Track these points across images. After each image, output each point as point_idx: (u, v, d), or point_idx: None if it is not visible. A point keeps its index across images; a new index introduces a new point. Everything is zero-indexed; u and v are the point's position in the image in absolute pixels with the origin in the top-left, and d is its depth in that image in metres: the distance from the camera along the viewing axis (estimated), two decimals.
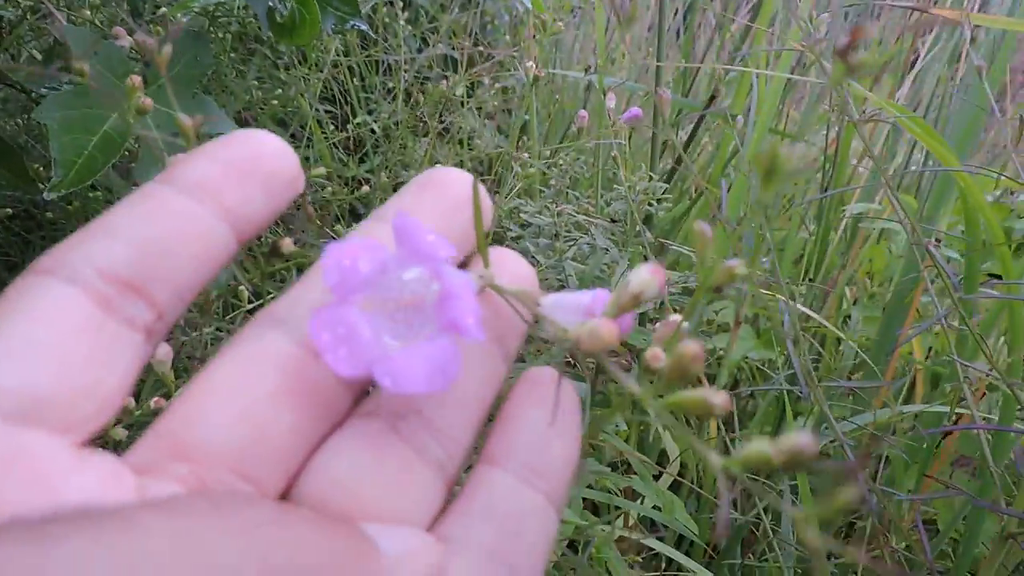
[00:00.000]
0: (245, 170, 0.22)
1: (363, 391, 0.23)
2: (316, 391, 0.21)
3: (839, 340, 0.97)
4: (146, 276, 0.20)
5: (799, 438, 0.17)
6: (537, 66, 0.51)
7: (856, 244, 0.96)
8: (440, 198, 0.24)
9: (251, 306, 0.46)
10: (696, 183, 0.96)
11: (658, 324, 0.62)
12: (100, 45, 0.45)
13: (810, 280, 0.94)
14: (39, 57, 0.59)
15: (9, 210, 0.55)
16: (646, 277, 0.22)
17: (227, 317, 0.49)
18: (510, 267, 0.25)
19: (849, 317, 1.07)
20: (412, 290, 0.23)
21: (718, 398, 0.19)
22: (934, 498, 0.59)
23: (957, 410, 0.69)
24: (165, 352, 0.37)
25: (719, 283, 0.24)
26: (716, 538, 0.58)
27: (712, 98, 0.76)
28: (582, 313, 0.23)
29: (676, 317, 0.20)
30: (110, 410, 0.19)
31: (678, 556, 0.59)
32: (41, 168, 0.52)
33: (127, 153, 0.47)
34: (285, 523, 0.16)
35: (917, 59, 1.20)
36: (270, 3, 0.42)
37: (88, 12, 0.54)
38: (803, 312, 0.84)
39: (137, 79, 0.32)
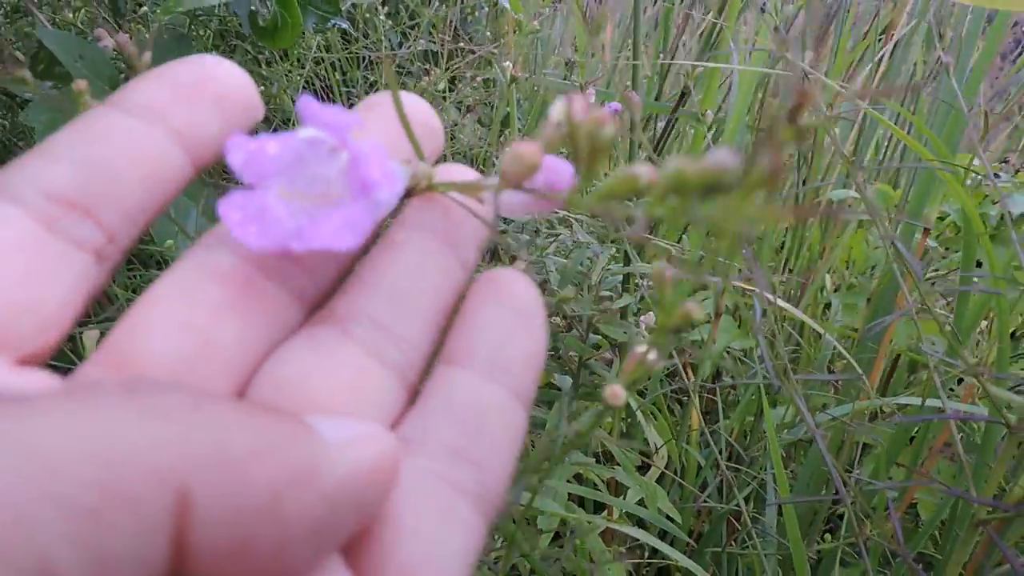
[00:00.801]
0: (195, 92, 0.21)
1: (314, 305, 0.22)
2: (262, 301, 0.21)
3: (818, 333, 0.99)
4: (93, 196, 0.20)
5: (719, 155, 0.17)
6: (515, 66, 0.52)
7: (833, 233, 0.98)
8: (390, 118, 0.23)
9: None
10: None
11: (642, 319, 0.64)
12: (85, 49, 0.46)
13: (789, 270, 0.95)
14: (22, 58, 0.59)
15: None
16: (563, 106, 0.21)
17: None
18: (459, 176, 0.24)
19: (828, 306, 1.09)
20: (324, 168, 0.22)
21: (643, 169, 0.19)
22: (907, 486, 0.61)
23: (932, 401, 0.71)
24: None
25: (678, 326, 0.24)
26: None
27: (683, 95, 0.77)
28: (527, 203, 0.23)
29: (641, 349, 0.20)
30: (54, 328, 0.19)
31: (661, 545, 0.60)
32: None
33: None
34: (207, 409, 0.15)
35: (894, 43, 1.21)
36: (252, 7, 0.42)
37: (71, 14, 0.54)
38: (780, 304, 0.86)
39: (84, 83, 0.33)
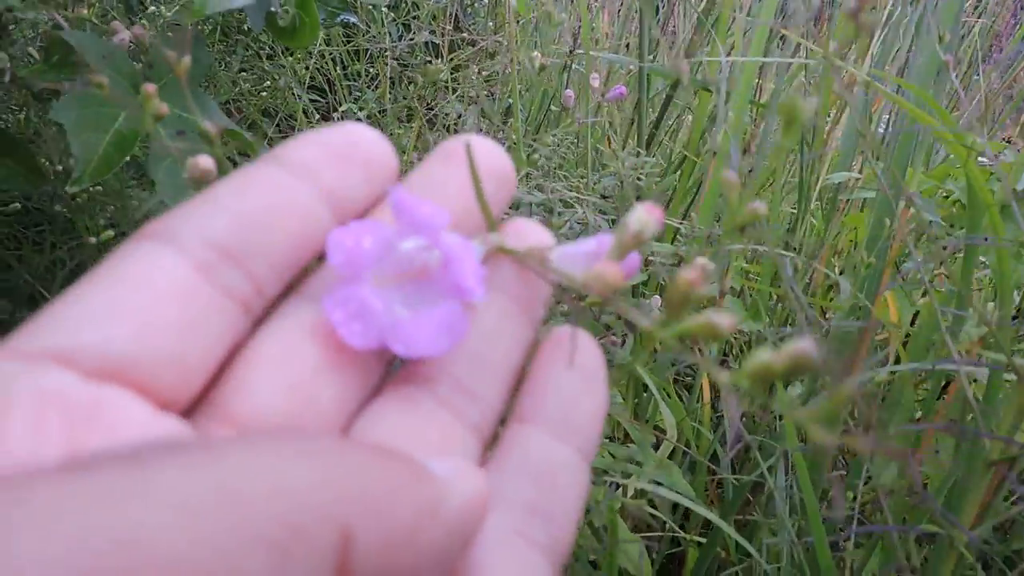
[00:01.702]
0: (344, 154, 0.23)
1: (394, 361, 0.23)
2: (354, 362, 0.22)
3: (823, 310, 1.00)
4: (245, 246, 0.20)
5: (801, 343, 0.18)
6: (541, 56, 0.53)
7: (837, 214, 0.99)
8: (464, 168, 0.24)
9: None
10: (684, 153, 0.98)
11: (653, 300, 0.65)
12: (107, 48, 0.47)
13: (795, 250, 0.96)
14: (36, 55, 0.60)
15: (17, 204, 0.56)
16: (643, 216, 0.22)
17: None
18: (528, 233, 0.25)
19: (833, 287, 1.09)
20: (416, 260, 0.23)
21: (723, 319, 0.20)
22: (924, 428, 0.61)
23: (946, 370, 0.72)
24: None
25: (744, 223, 0.25)
26: (728, 450, 0.61)
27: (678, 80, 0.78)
28: (589, 260, 0.24)
29: (702, 260, 0.21)
30: (198, 378, 0.19)
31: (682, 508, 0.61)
32: (47, 163, 0.54)
33: (139, 147, 0.48)
34: (354, 454, 0.17)
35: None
36: (272, 8, 0.43)
37: (85, 11, 0.55)
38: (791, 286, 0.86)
39: (152, 87, 0.34)
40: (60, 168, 0.55)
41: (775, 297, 0.98)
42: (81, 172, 0.42)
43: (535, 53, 0.53)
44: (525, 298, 0.25)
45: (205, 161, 0.35)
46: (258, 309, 0.21)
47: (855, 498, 0.58)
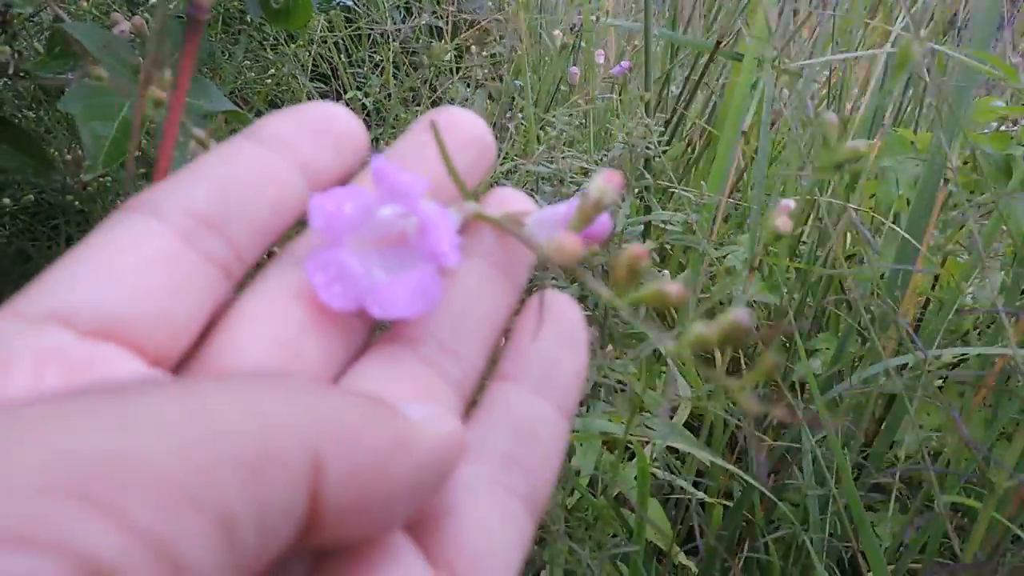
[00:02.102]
0: (317, 128, 0.24)
1: (377, 325, 0.25)
2: (338, 322, 0.23)
3: (841, 283, 0.99)
4: (225, 214, 0.22)
5: (736, 313, 0.19)
6: (564, 34, 0.53)
7: (860, 183, 0.97)
8: (445, 138, 0.25)
9: None
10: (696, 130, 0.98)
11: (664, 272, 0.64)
12: (108, 39, 0.47)
13: (819, 219, 0.95)
14: (40, 48, 0.60)
15: (31, 197, 0.57)
16: (602, 184, 0.23)
17: None
18: (511, 201, 0.26)
19: (853, 256, 1.08)
20: (394, 225, 0.24)
21: (672, 287, 0.21)
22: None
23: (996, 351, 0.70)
24: None
25: (842, 161, 0.26)
26: (758, 477, 0.61)
27: (719, 42, 0.76)
28: (562, 225, 0.24)
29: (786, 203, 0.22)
30: (181, 338, 0.21)
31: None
32: (56, 153, 0.54)
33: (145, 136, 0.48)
34: (327, 391, 0.18)
35: None
36: None
37: (85, 3, 0.55)
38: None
39: (147, 75, 0.34)
40: (69, 158, 0.55)
41: (792, 270, 0.97)
42: (93, 160, 0.42)
43: (556, 31, 0.53)
44: (507, 263, 0.26)
45: (197, 134, 0.36)
46: (238, 273, 0.22)
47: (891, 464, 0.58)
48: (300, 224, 0.24)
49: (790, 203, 0.26)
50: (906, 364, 0.70)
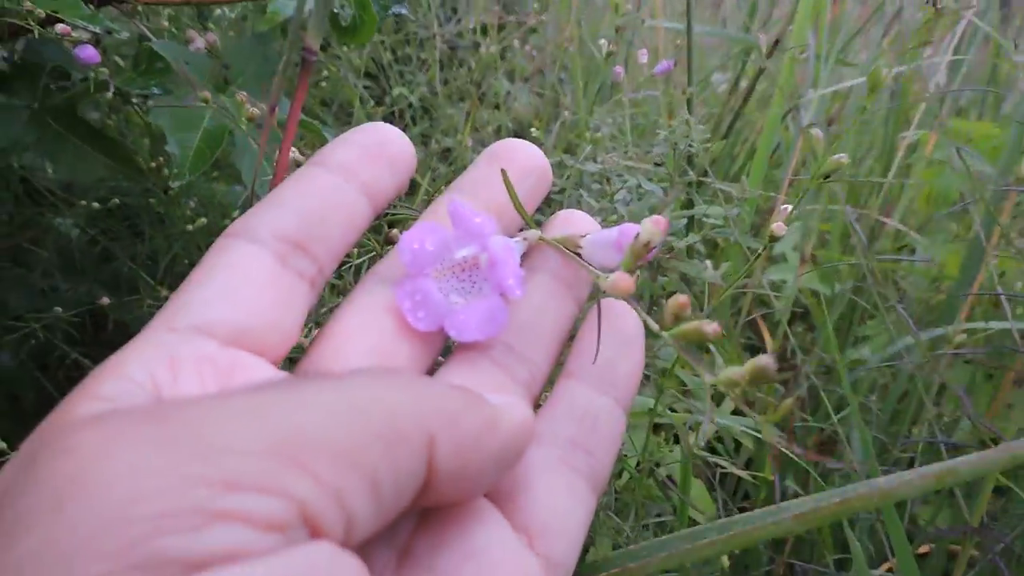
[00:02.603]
0: (375, 153, 0.28)
1: None
2: (423, 333, 0.27)
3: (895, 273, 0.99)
4: (308, 237, 0.26)
5: (761, 360, 0.21)
6: (610, 42, 0.55)
7: (914, 173, 0.97)
8: (507, 168, 0.29)
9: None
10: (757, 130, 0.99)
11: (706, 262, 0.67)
12: (188, 55, 0.51)
13: (864, 208, 0.96)
14: (121, 62, 0.65)
15: (116, 200, 0.62)
16: (650, 228, 0.26)
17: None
18: (574, 221, 0.30)
19: (903, 248, 1.08)
20: (469, 259, 0.28)
21: (709, 327, 0.24)
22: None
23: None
24: None
25: (828, 172, 0.28)
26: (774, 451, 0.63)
27: (777, 41, 0.78)
28: (614, 247, 0.28)
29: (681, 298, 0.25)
30: (289, 342, 0.25)
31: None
32: (140, 159, 0.59)
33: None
34: (432, 383, 0.22)
35: None
36: (335, 9, 0.47)
37: (166, 22, 0.60)
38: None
39: (243, 95, 0.38)
40: (154, 165, 0.60)
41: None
42: (180, 168, 0.47)
43: (602, 40, 0.55)
44: (569, 279, 0.30)
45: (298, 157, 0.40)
46: (320, 286, 0.27)
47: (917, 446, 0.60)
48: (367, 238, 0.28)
49: (786, 207, 0.29)
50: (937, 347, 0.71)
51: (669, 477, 0.55)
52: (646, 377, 0.66)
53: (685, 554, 0.26)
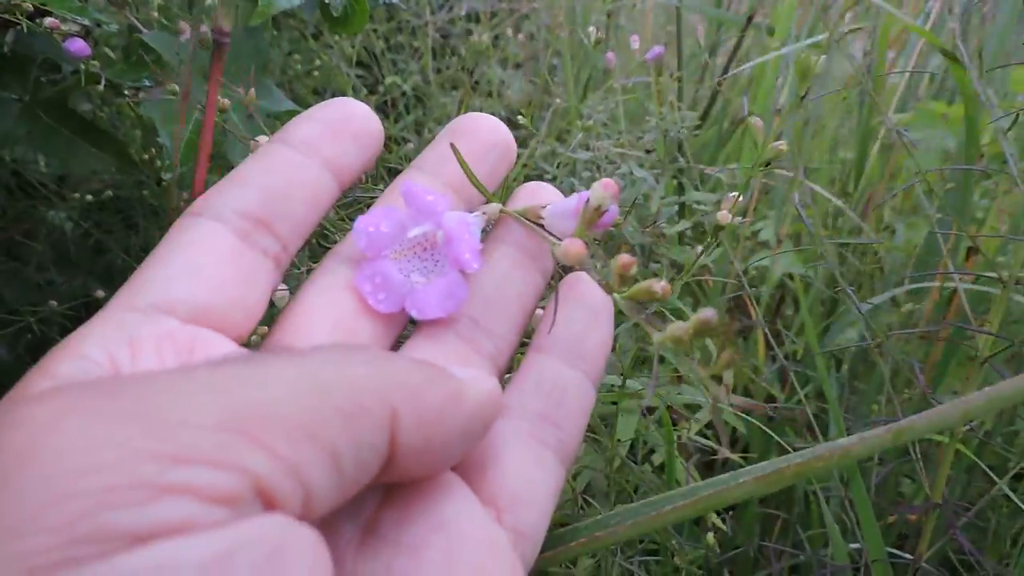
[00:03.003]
0: (339, 128, 0.27)
1: None
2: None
3: (876, 253, 1.00)
4: (272, 214, 0.26)
5: (704, 313, 0.22)
6: (598, 30, 0.55)
7: (893, 157, 0.98)
8: (470, 143, 0.29)
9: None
10: (735, 112, 0.99)
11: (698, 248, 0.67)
12: (179, 46, 0.51)
13: (847, 194, 0.96)
14: (112, 54, 0.65)
15: (110, 193, 0.62)
16: (600, 192, 0.26)
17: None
18: (539, 193, 0.30)
19: (886, 229, 1.08)
20: (425, 237, 0.28)
21: (658, 285, 0.24)
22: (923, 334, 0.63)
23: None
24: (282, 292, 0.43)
25: (769, 159, 0.28)
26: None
27: (750, 17, 0.78)
28: (573, 215, 0.28)
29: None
30: (252, 320, 0.25)
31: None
32: (133, 152, 0.59)
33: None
34: (395, 357, 0.22)
35: None
36: (326, 0, 0.47)
37: (155, 13, 0.60)
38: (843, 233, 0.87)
39: (225, 103, 0.38)
40: (146, 157, 0.60)
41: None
42: (170, 160, 0.47)
43: (591, 27, 0.55)
44: (534, 250, 0.30)
45: (264, 140, 0.40)
46: (286, 263, 0.27)
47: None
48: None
49: (734, 194, 0.29)
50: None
51: (660, 465, 0.56)
52: (641, 361, 0.66)
53: (651, 520, 0.26)
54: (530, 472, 0.26)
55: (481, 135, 0.29)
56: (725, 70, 0.82)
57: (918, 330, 0.55)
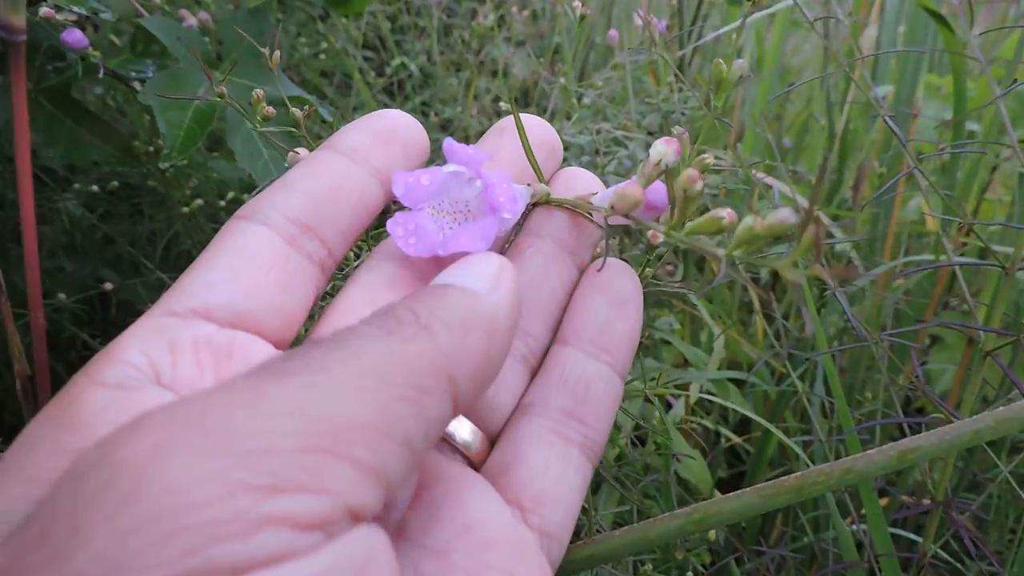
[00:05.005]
0: (387, 138, 0.28)
1: None
2: None
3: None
4: (318, 220, 0.26)
5: (781, 211, 0.20)
6: (583, 4, 0.55)
7: (873, 132, 0.96)
8: (516, 140, 0.29)
9: None
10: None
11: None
12: (180, 31, 0.51)
13: (823, 163, 0.95)
14: (117, 41, 0.65)
15: (116, 183, 0.62)
16: (661, 148, 0.25)
17: None
18: (578, 179, 0.30)
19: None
20: (465, 198, 0.28)
21: (723, 212, 0.23)
22: (926, 327, 0.63)
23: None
24: None
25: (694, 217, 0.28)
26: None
27: None
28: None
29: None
30: (294, 323, 0.25)
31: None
32: (138, 143, 0.59)
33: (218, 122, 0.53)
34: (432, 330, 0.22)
35: None
36: None
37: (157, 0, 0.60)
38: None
39: (260, 91, 0.38)
40: (152, 149, 0.60)
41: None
42: (170, 148, 0.47)
43: (576, 3, 0.55)
44: (571, 244, 0.29)
45: (304, 153, 0.40)
46: (331, 268, 0.27)
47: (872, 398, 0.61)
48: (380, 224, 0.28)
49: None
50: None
51: (658, 447, 0.56)
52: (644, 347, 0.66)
53: (654, 540, 0.26)
54: (555, 471, 0.26)
55: (531, 134, 0.29)
56: (698, 36, 0.81)
57: (920, 325, 0.54)
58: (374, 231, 0.37)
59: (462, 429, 0.27)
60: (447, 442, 0.26)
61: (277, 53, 0.36)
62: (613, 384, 0.28)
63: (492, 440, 0.28)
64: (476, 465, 0.27)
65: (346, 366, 0.19)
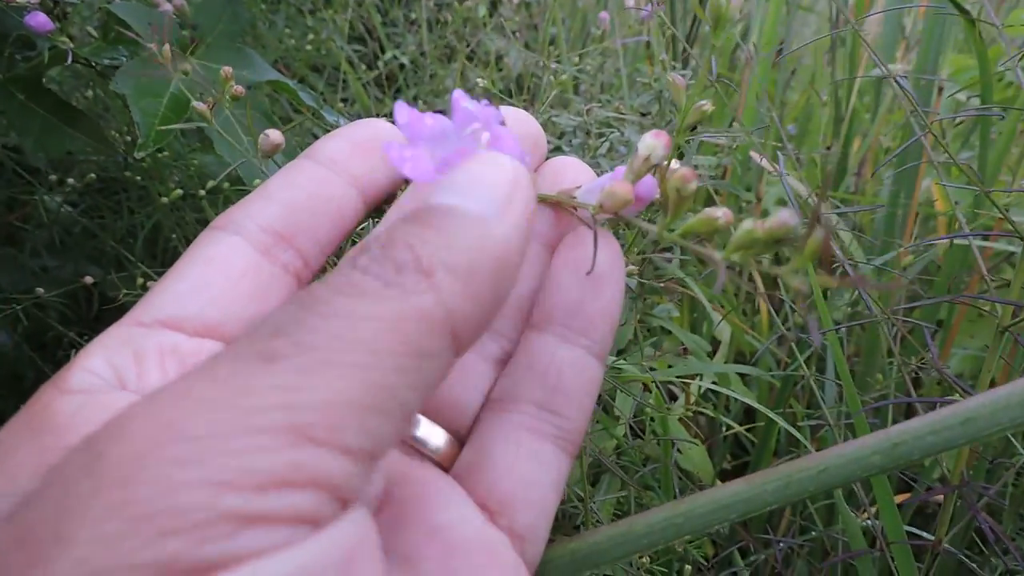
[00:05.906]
0: (367, 147, 0.27)
1: None
2: None
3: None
4: (294, 229, 0.25)
5: (782, 214, 0.19)
6: None
7: (881, 113, 0.95)
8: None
9: None
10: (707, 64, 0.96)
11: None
12: (152, 17, 0.50)
13: (827, 148, 0.93)
14: (93, 32, 0.63)
15: (94, 175, 0.61)
16: (651, 141, 0.24)
17: None
18: (566, 168, 0.28)
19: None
20: (467, 143, 0.25)
21: (719, 212, 0.22)
22: (944, 301, 0.61)
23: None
24: None
25: (694, 121, 0.26)
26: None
27: None
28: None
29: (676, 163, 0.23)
30: None
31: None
32: (116, 134, 0.58)
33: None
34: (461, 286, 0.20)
35: None
36: None
37: None
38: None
39: (228, 69, 0.36)
40: (129, 139, 0.58)
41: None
42: (145, 137, 0.45)
43: None
44: (554, 241, 0.27)
45: (275, 135, 0.38)
46: (307, 278, 0.26)
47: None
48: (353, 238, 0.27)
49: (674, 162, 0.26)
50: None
51: (657, 436, 0.54)
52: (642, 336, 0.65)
53: (656, 542, 0.24)
54: (523, 471, 0.25)
55: (514, 126, 0.28)
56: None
57: (937, 299, 0.52)
58: (353, 241, 0.35)
59: (433, 435, 0.25)
60: (414, 447, 0.25)
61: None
62: (590, 368, 0.26)
63: (462, 441, 0.26)
64: (445, 467, 0.25)
65: (339, 341, 0.18)
